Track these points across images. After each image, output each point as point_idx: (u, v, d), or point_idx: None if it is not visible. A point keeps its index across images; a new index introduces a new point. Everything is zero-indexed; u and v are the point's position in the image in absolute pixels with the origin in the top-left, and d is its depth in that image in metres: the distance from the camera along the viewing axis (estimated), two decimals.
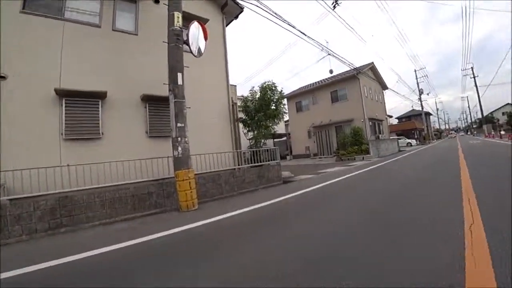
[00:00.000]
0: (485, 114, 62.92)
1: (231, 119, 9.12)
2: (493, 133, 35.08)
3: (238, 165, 8.14)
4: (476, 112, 76.04)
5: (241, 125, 10.19)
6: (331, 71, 23.82)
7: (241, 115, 9.96)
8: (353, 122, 18.99)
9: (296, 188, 6.48)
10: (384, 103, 24.88)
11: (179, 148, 5.43)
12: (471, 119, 59.14)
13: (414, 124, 37.95)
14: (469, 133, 68.76)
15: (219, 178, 6.74)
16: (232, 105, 12.05)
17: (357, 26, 55.46)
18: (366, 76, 20.63)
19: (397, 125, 43.09)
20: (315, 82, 24.02)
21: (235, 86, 12.15)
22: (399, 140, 25.34)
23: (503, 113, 55.23)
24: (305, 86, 24.71)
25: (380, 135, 20.42)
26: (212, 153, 7.12)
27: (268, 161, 8.61)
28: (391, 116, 43.38)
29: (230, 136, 9.00)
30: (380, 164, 10.65)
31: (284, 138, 27.40)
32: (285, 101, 9.82)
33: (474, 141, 25.97)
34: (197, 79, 7.84)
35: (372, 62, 20.79)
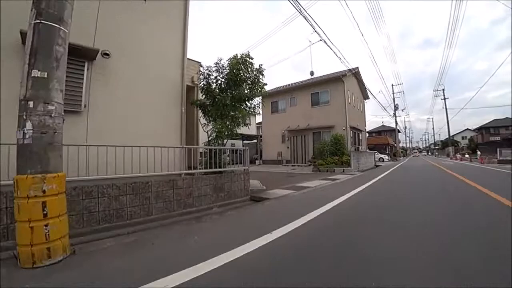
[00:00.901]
0: (445, 137, 66.28)
1: (182, 102, 6.09)
2: (459, 155, 35.82)
3: (187, 169, 5.15)
4: (439, 134, 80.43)
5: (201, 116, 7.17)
6: (312, 73, 21.74)
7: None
8: (334, 129, 16.83)
9: (275, 216, 3.70)
10: (365, 113, 23.35)
11: (29, 125, 2.33)
12: (434, 140, 61.75)
13: (387, 139, 37.59)
14: (429, 153, 72.25)
15: (146, 189, 3.75)
16: (193, 86, 8.96)
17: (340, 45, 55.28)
18: (351, 80, 18.73)
19: (371, 138, 42.64)
20: (295, 82, 21.70)
21: (200, 63, 9.03)
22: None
23: (462, 137, 58.26)
24: (284, 85, 22.26)
25: (359, 147, 18.55)
26: (141, 146, 4.09)
27: (233, 165, 5.84)
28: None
29: (179, 127, 5.96)
30: (371, 182, 8.24)
31: (255, 141, 24.66)
32: (264, 80, 6.85)
33: (448, 162, 25.49)
34: (138, 38, 5.36)
35: (357, 67, 18.99)
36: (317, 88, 18.50)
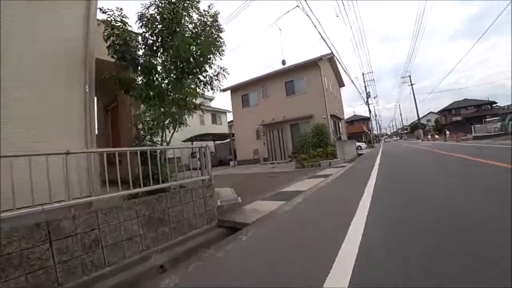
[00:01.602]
0: (411, 122, 69.01)
1: (87, 79, 3.79)
2: (429, 136, 36.59)
3: (89, 193, 2.96)
4: (407, 119, 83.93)
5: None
6: (283, 62, 20.06)
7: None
8: (313, 119, 15.24)
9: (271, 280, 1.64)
10: (342, 101, 22.22)
11: None
12: (402, 125, 63.93)
13: (362, 128, 37.40)
14: (397, 138, 75.02)
15: None
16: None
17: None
18: (327, 66, 17.28)
19: (348, 127, 42.31)
20: (267, 73, 19.81)
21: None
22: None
23: (427, 120, 60.76)
24: (254, 77, 20.29)
25: (341, 136, 17.22)
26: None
27: (188, 175, 3.79)
28: None
29: (84, 118, 3.68)
30: (374, 175, 6.52)
31: (227, 140, 22.50)
32: (222, 34, 4.63)
33: (424, 143, 25.28)
34: None
35: (332, 53, 17.55)
36: (291, 76, 16.78)
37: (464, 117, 45.06)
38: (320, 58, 15.50)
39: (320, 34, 9.72)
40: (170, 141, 4.66)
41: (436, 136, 35.67)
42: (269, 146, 17.33)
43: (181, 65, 4.28)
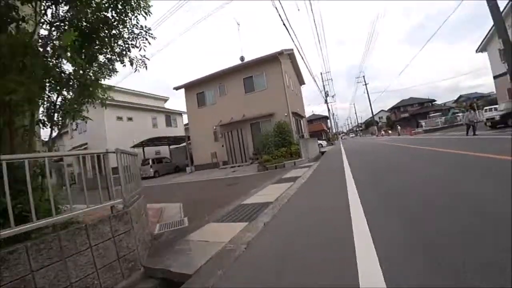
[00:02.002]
0: (365, 120, 73.22)
1: None
2: (382, 132, 38.53)
3: None
4: (361, 117, 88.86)
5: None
6: (242, 59, 18.74)
7: None
8: (274, 117, 14.16)
9: None
10: (302, 99, 21.66)
11: None
12: (357, 122, 67.30)
13: (322, 126, 37.87)
14: (354, 135, 79.06)
15: None
16: None
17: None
18: (287, 63, 16.37)
19: (308, 126, 42.68)
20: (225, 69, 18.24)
21: None
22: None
23: (379, 118, 64.75)
24: (210, 73, 18.57)
25: (304, 134, 16.47)
26: None
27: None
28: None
29: None
30: (349, 174, 5.46)
31: (184, 144, 20.45)
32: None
33: (381, 138, 26.01)
34: None
35: (292, 49, 16.71)
36: (250, 72, 15.50)
37: (411, 114, 48.74)
38: (281, 52, 14.49)
39: (281, 19, 8.55)
40: (54, 145, 2.95)
41: (390, 132, 37.74)
42: (228, 148, 15.82)
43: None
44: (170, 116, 25.86)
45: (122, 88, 22.65)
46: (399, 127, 35.65)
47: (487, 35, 17.65)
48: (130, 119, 21.15)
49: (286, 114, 13.85)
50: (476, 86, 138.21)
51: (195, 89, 17.68)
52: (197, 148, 17.51)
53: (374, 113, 71.18)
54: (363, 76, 40.62)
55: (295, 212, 3.49)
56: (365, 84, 40.19)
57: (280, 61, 14.43)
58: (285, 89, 14.31)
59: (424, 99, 52.24)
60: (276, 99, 14.27)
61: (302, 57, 16.38)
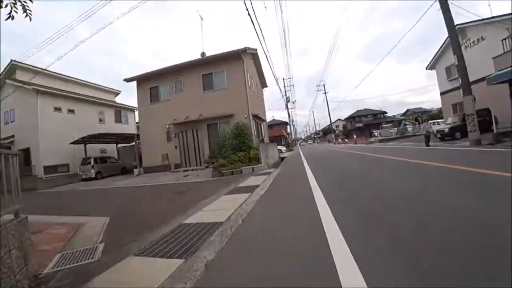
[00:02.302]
0: (322, 127, 76.32)
1: None
2: (340, 140, 40.13)
3: None
4: (319, 125, 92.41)
5: None
6: (203, 54, 17.55)
7: None
8: (233, 118, 13.28)
9: None
10: (264, 102, 21.13)
11: None
12: (315, 130, 69.79)
13: (281, 131, 38.00)
14: (312, 142, 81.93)
15: None
16: None
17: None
18: (250, 63, 15.63)
19: (268, 131, 42.66)
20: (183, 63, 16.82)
21: None
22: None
23: (336, 126, 68.00)
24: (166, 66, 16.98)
25: (264, 138, 15.86)
26: None
27: None
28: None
29: None
30: (313, 185, 4.78)
31: (133, 143, 18.40)
32: None
33: (339, 146, 26.78)
34: None
35: (256, 49, 16.06)
36: (210, 68, 14.41)
37: (365, 124, 51.91)
38: (244, 50, 13.68)
39: (247, 9, 7.71)
40: None
41: (346, 140, 39.44)
42: (181, 150, 14.46)
43: None
44: (121, 111, 23.32)
45: (62, 74, 19.74)
46: (355, 136, 37.46)
47: (436, 54, 19.11)
48: (71, 111, 18.34)
49: (246, 116, 13.06)
50: (420, 102, 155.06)
51: (149, 82, 15.97)
52: (148, 148, 15.76)
53: (331, 121, 74.86)
54: (324, 85, 42.03)
55: (250, 241, 2.59)
56: (325, 93, 41.61)
57: (243, 60, 13.65)
58: (247, 89, 13.54)
59: (377, 111, 56.19)
60: (236, 100, 13.41)
61: (266, 56, 15.86)
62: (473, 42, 15.40)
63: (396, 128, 26.32)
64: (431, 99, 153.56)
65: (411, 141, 15.47)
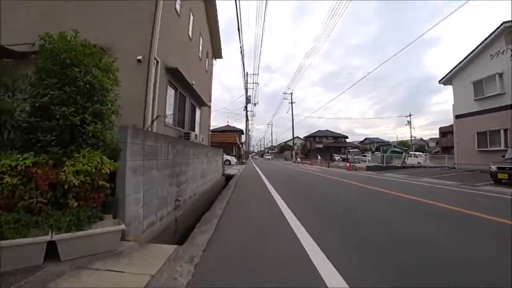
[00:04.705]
0: (279, 143, 71.00)
1: None
2: (299, 159, 33.67)
3: None
4: (276, 140, 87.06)
5: None
6: None
7: None
8: (110, 57, 4.82)
9: None
10: (211, 80, 12.86)
11: None
12: (272, 144, 63.95)
13: (235, 137, 29.88)
14: (270, 157, 75.25)
15: None
16: None
17: None
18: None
19: (215, 135, 33.70)
20: None
21: None
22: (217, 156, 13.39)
23: (293, 143, 62.99)
24: None
25: (198, 136, 7.64)
26: None
27: None
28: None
29: None
30: None
31: None
32: None
33: (304, 166, 19.78)
34: None
35: None
36: None
37: (325, 145, 47.37)
38: None
39: None
40: None
41: (309, 160, 33.06)
42: None
43: None
44: None
45: None
46: (319, 157, 31.59)
47: (457, 66, 13.77)
48: None
49: (140, 58, 4.78)
50: (364, 134, 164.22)
51: None
52: None
53: (289, 139, 69.99)
54: (291, 93, 35.94)
55: None
56: (291, 103, 35.51)
57: None
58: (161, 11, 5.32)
59: (339, 134, 52.59)
60: (133, 21, 5.10)
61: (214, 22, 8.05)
62: None
63: (382, 154, 20.69)
64: (375, 132, 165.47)
65: (442, 178, 9.15)
